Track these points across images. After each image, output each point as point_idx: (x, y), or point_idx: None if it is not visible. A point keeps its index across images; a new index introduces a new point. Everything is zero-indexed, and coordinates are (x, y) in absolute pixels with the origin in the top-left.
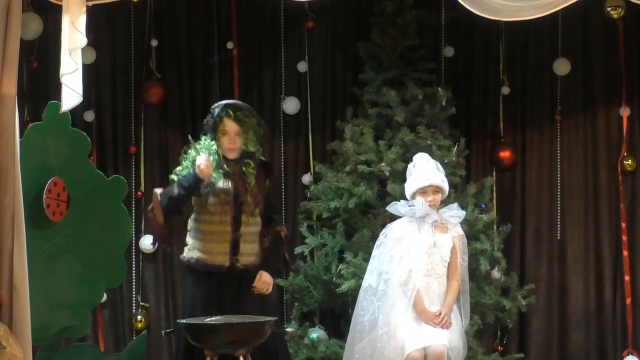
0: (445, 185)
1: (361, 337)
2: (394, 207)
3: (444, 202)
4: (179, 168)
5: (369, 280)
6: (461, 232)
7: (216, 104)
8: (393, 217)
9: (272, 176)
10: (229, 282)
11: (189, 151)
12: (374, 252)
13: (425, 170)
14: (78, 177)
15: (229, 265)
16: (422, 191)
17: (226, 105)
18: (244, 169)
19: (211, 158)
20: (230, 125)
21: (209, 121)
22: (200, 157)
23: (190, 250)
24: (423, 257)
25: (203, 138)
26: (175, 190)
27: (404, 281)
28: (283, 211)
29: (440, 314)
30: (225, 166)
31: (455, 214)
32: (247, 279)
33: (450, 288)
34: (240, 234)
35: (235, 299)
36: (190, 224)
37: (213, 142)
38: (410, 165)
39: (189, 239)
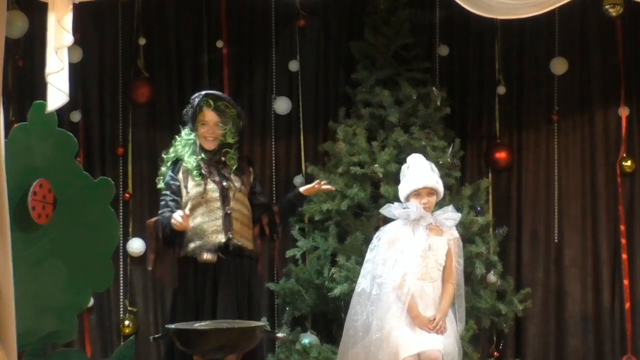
0: (440, 187)
1: (354, 343)
2: (387, 210)
3: (439, 205)
4: (162, 170)
5: (362, 284)
6: (456, 235)
7: (197, 94)
8: (386, 220)
9: (254, 166)
10: (226, 265)
11: (169, 151)
12: (368, 255)
13: (419, 172)
14: (64, 178)
15: (225, 241)
16: (416, 193)
17: (206, 95)
18: (223, 158)
19: (189, 149)
20: (209, 115)
21: (189, 111)
22: (177, 212)
23: (184, 247)
24: (417, 260)
25: (183, 132)
26: (160, 233)
27: (398, 285)
28: None
29: (434, 319)
30: (203, 155)
31: (450, 216)
32: (243, 263)
33: (445, 292)
34: (231, 209)
35: (230, 284)
36: None
37: (192, 133)
38: (404, 167)
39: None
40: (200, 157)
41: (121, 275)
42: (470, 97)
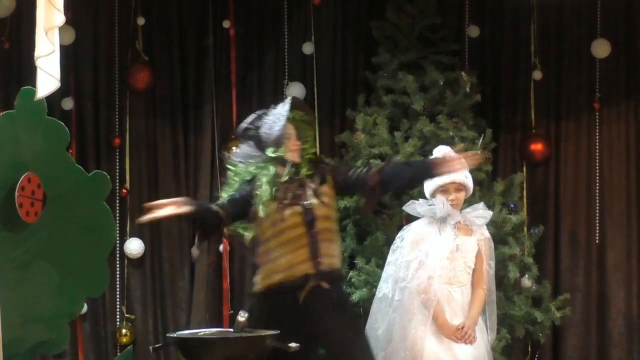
0: (469, 182)
1: (375, 353)
2: (411, 207)
3: (468, 201)
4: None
5: (383, 289)
6: (487, 234)
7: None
8: (410, 218)
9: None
10: (317, 295)
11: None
12: (389, 257)
13: None
14: (55, 172)
15: (314, 272)
16: (443, 189)
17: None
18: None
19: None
20: (289, 128)
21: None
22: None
23: (265, 279)
24: (444, 262)
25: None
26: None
27: (423, 290)
28: None
29: (463, 327)
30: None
31: (480, 214)
32: (333, 286)
33: (475, 298)
34: (317, 231)
35: (322, 322)
36: (260, 251)
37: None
38: None
39: (260, 269)
40: (283, 179)
41: (118, 280)
42: (503, 82)
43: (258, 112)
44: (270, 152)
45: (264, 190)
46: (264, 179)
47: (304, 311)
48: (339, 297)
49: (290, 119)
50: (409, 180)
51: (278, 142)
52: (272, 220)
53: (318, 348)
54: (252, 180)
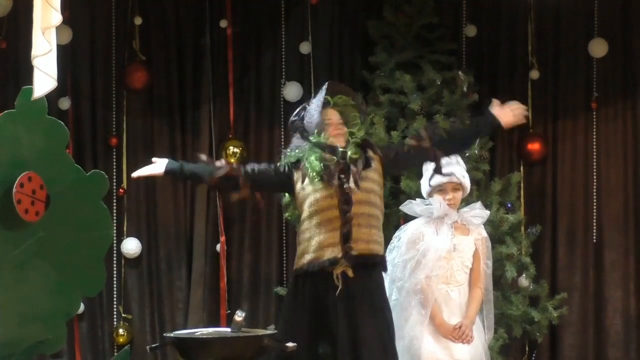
0: (466, 182)
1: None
2: (408, 207)
3: (466, 201)
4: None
5: None
6: (484, 234)
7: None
8: (408, 218)
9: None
10: (346, 284)
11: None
12: (386, 257)
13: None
14: (54, 172)
15: (342, 256)
16: (440, 188)
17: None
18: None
19: (315, 154)
20: (330, 114)
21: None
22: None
23: (299, 259)
24: (441, 262)
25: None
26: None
27: (420, 290)
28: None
29: (460, 327)
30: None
31: (478, 214)
32: (365, 274)
33: (472, 297)
34: (351, 216)
35: (350, 310)
36: (300, 228)
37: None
38: None
39: (297, 249)
40: (331, 161)
41: (115, 279)
42: (500, 82)
43: (304, 104)
44: (312, 139)
45: (313, 165)
46: (312, 157)
47: (331, 297)
48: (368, 288)
49: (333, 105)
50: (474, 134)
51: (318, 129)
52: (310, 201)
53: (337, 338)
54: (297, 162)
